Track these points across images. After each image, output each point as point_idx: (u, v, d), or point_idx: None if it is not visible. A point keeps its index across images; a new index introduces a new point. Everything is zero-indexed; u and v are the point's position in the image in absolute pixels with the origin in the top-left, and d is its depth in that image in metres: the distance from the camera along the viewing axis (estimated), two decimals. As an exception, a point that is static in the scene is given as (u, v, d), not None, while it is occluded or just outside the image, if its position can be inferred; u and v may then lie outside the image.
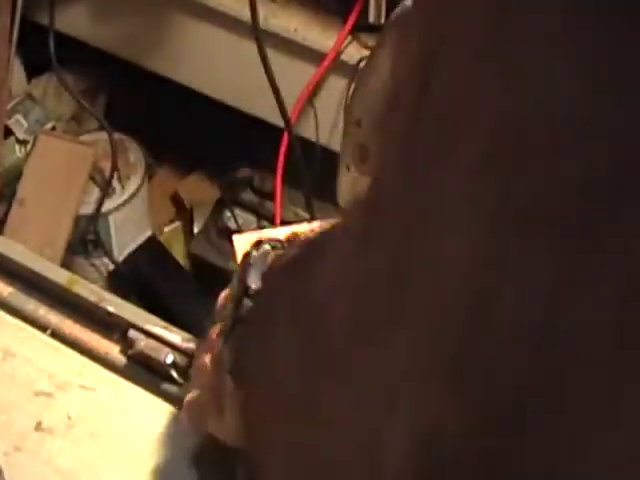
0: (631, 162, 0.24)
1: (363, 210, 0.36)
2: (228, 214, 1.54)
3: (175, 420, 0.71)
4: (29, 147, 1.51)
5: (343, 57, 1.26)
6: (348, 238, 0.37)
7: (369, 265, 0.34)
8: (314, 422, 0.38)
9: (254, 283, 0.52)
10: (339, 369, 0.36)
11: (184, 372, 0.73)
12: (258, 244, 0.54)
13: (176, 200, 1.70)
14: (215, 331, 0.61)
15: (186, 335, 0.75)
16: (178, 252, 1.62)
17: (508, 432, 0.27)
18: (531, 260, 0.26)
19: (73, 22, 1.46)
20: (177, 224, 1.68)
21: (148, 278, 1.52)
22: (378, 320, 0.32)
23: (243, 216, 1.54)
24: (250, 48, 1.26)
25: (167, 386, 0.74)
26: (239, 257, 0.61)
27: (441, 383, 0.28)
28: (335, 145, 1.24)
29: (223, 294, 0.62)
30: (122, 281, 1.55)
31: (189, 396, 0.63)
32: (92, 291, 0.78)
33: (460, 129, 0.28)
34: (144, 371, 0.75)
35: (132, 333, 0.75)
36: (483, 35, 0.27)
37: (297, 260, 0.48)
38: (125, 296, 1.10)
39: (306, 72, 1.28)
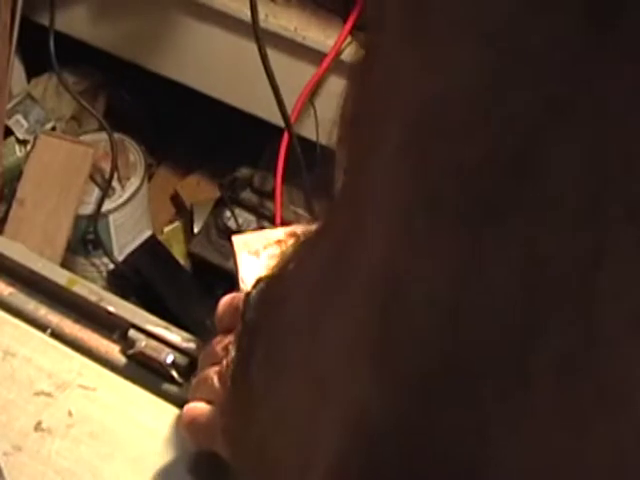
0: (528, 147, 0.25)
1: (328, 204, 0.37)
2: (228, 214, 1.54)
3: (175, 420, 0.71)
4: (29, 147, 1.51)
5: (343, 57, 1.26)
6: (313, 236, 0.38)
7: (319, 256, 0.35)
8: (273, 424, 0.38)
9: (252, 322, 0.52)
10: (289, 363, 0.36)
11: (184, 372, 0.73)
12: (257, 283, 0.53)
13: (176, 200, 1.70)
14: (218, 342, 0.61)
15: (186, 335, 0.75)
16: (178, 252, 1.62)
17: (426, 414, 0.27)
18: (441, 241, 0.26)
19: (73, 22, 1.46)
20: (177, 224, 1.68)
21: (148, 278, 1.52)
22: (319, 309, 0.33)
23: (243, 216, 1.54)
24: (250, 48, 1.26)
25: (167, 386, 0.74)
26: (238, 257, 0.61)
27: (364, 368, 0.29)
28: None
29: (224, 299, 0.62)
30: (122, 281, 1.55)
31: (191, 408, 0.63)
32: (92, 291, 0.78)
33: (387, 115, 0.29)
34: (144, 371, 0.75)
35: (132, 333, 0.75)
36: (405, 22, 0.28)
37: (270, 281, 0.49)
38: (125, 296, 1.10)
39: (306, 72, 1.28)
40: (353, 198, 0.32)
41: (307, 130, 1.33)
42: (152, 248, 1.58)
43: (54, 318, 0.78)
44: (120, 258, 1.56)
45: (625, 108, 0.24)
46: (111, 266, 1.56)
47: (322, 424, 0.30)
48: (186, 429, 0.65)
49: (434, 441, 0.27)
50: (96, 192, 1.52)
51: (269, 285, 0.50)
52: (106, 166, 1.51)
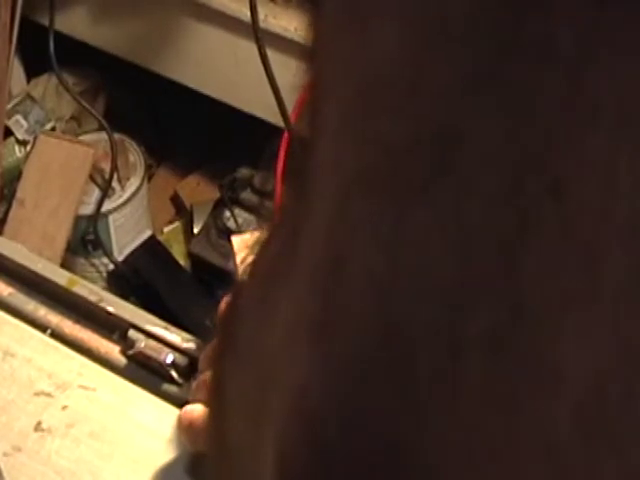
0: (451, 122, 0.25)
1: None
2: (228, 214, 1.54)
3: (175, 421, 0.71)
4: (29, 147, 1.52)
5: (343, 57, 1.26)
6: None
7: (272, 247, 0.35)
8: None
9: None
10: (241, 352, 0.36)
11: (184, 372, 0.73)
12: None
13: (176, 200, 1.70)
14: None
15: (186, 335, 0.75)
16: (178, 252, 1.62)
17: (363, 394, 0.27)
18: (376, 218, 0.27)
19: (73, 22, 1.46)
20: (177, 224, 1.68)
21: (148, 278, 1.52)
22: (267, 296, 0.33)
23: (243, 216, 1.54)
24: (250, 48, 1.26)
25: (167, 386, 0.74)
26: (238, 258, 0.61)
27: (304, 349, 0.29)
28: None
29: (226, 300, 0.62)
30: (122, 281, 1.55)
31: (189, 411, 0.63)
32: (92, 291, 0.78)
33: (327, 97, 0.29)
34: (144, 371, 0.75)
35: (132, 333, 0.75)
36: (339, 2, 0.28)
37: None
38: (125, 296, 1.10)
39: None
40: (302, 184, 0.32)
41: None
42: (152, 248, 1.58)
43: (54, 318, 0.78)
44: (120, 258, 1.56)
45: (543, 82, 0.24)
46: (111, 266, 1.56)
47: (270, 408, 0.30)
48: (184, 431, 0.65)
49: (372, 422, 0.27)
50: (96, 192, 1.52)
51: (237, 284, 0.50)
52: (106, 166, 1.51)
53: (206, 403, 0.51)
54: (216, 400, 0.40)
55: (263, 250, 0.37)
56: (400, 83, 0.26)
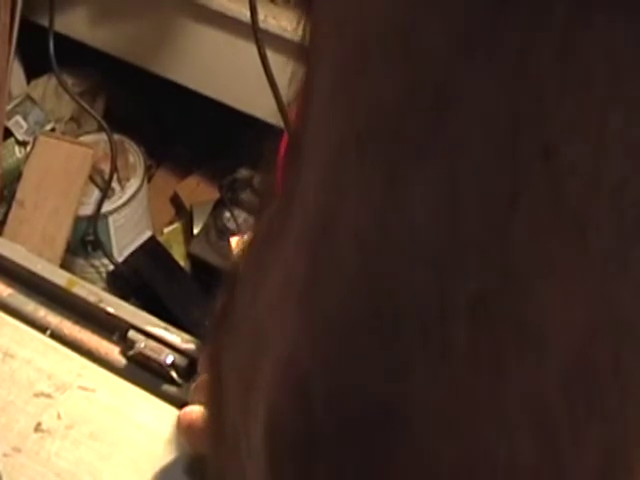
0: (445, 83, 0.25)
1: None
2: (228, 214, 1.54)
3: (175, 421, 0.71)
4: (29, 148, 1.52)
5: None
6: None
7: (266, 217, 0.35)
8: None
9: None
10: (237, 318, 0.36)
11: (184, 373, 0.73)
12: None
13: (176, 201, 1.70)
14: None
15: (186, 336, 0.75)
16: (178, 253, 1.62)
17: (351, 355, 0.27)
18: (367, 178, 0.27)
19: (73, 23, 1.46)
20: (177, 225, 1.68)
21: (148, 279, 1.52)
22: (262, 261, 0.33)
23: (243, 217, 1.54)
24: (250, 48, 1.26)
25: (167, 387, 0.74)
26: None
27: (294, 310, 0.29)
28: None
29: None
30: (122, 282, 1.55)
31: (188, 412, 0.63)
32: (91, 292, 0.78)
33: (322, 54, 0.29)
34: (144, 372, 0.75)
35: (132, 334, 0.75)
36: None
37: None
38: (125, 297, 1.10)
39: (306, 72, 1.28)
40: (295, 152, 0.32)
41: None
42: (152, 249, 1.58)
43: (54, 319, 0.78)
44: (120, 259, 1.55)
45: (536, 41, 0.24)
46: (111, 267, 1.56)
47: (260, 374, 0.30)
48: (183, 432, 0.64)
49: (359, 383, 0.27)
50: (96, 193, 1.52)
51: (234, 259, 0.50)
52: (106, 167, 1.51)
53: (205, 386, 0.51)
54: (213, 378, 0.40)
55: (260, 220, 0.37)
56: (394, 42, 0.26)
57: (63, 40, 1.45)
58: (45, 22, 1.44)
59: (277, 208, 0.33)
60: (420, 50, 0.25)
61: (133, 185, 1.56)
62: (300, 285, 0.28)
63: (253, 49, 1.25)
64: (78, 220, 1.49)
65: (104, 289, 1.48)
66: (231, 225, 1.53)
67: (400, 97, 0.26)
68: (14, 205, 1.48)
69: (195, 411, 0.63)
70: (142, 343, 0.74)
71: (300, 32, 0.31)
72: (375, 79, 0.26)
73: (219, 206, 1.57)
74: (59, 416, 0.72)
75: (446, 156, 0.25)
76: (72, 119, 1.60)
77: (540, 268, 0.25)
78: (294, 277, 0.29)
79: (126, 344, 0.75)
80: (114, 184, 1.53)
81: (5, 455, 0.70)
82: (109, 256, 1.54)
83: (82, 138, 1.56)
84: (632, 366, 0.26)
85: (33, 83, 1.58)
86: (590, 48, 0.24)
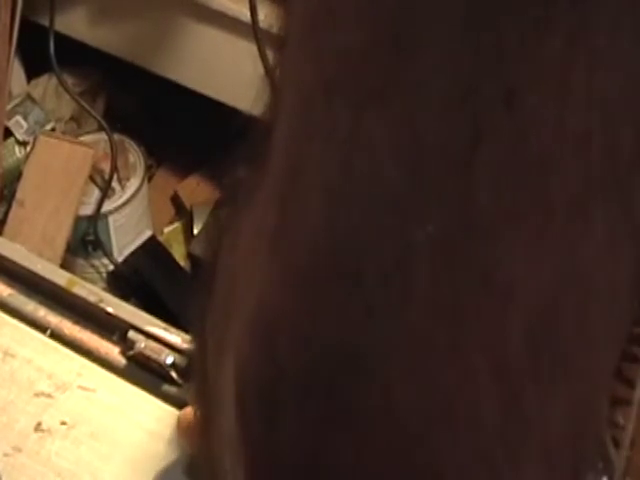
0: (405, 29, 0.25)
1: None
2: (228, 215, 1.54)
3: (175, 422, 0.71)
4: (29, 148, 1.51)
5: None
6: None
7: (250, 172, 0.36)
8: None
9: None
10: (218, 285, 0.36)
11: (184, 373, 0.73)
12: None
13: (176, 201, 1.70)
14: None
15: (186, 336, 0.75)
16: (178, 253, 1.62)
17: (316, 302, 0.27)
18: (333, 124, 0.27)
19: (73, 23, 1.46)
20: (177, 225, 1.68)
21: (148, 279, 1.52)
22: (237, 217, 0.34)
23: (243, 217, 1.53)
24: (250, 48, 1.26)
25: (167, 387, 0.74)
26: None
27: (263, 259, 0.29)
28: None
29: None
30: (122, 282, 1.55)
31: (187, 413, 0.63)
32: (92, 292, 0.78)
33: (293, 7, 0.30)
34: (144, 372, 0.75)
35: (132, 334, 0.75)
36: None
37: None
38: (125, 297, 1.10)
39: (306, 72, 1.28)
40: (271, 112, 0.32)
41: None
42: (152, 249, 1.58)
43: (54, 319, 0.78)
44: (120, 259, 1.55)
45: None
46: (111, 267, 1.56)
47: (231, 329, 0.30)
48: (182, 433, 0.64)
49: (324, 330, 0.27)
50: (96, 193, 1.52)
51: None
52: (106, 167, 1.51)
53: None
54: (197, 348, 0.40)
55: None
56: None
57: (63, 40, 1.45)
58: (45, 22, 1.44)
59: (254, 166, 0.33)
60: (381, 6, 0.26)
61: (133, 185, 1.56)
62: (270, 236, 0.29)
63: (253, 49, 1.25)
64: (78, 220, 1.49)
65: (104, 289, 1.48)
66: (231, 225, 1.53)
67: (364, 43, 0.26)
68: (14, 205, 1.48)
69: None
70: (142, 343, 0.74)
71: None
72: (341, 28, 0.27)
73: (219, 206, 1.57)
74: (59, 416, 0.72)
75: (408, 99, 0.25)
76: (72, 119, 1.60)
77: (504, 216, 0.25)
78: (265, 229, 0.29)
79: (126, 344, 0.75)
80: (114, 184, 1.53)
81: (5, 455, 0.70)
82: (109, 256, 1.54)
83: (82, 138, 1.56)
84: (596, 320, 0.26)
85: (33, 83, 1.58)
86: None
